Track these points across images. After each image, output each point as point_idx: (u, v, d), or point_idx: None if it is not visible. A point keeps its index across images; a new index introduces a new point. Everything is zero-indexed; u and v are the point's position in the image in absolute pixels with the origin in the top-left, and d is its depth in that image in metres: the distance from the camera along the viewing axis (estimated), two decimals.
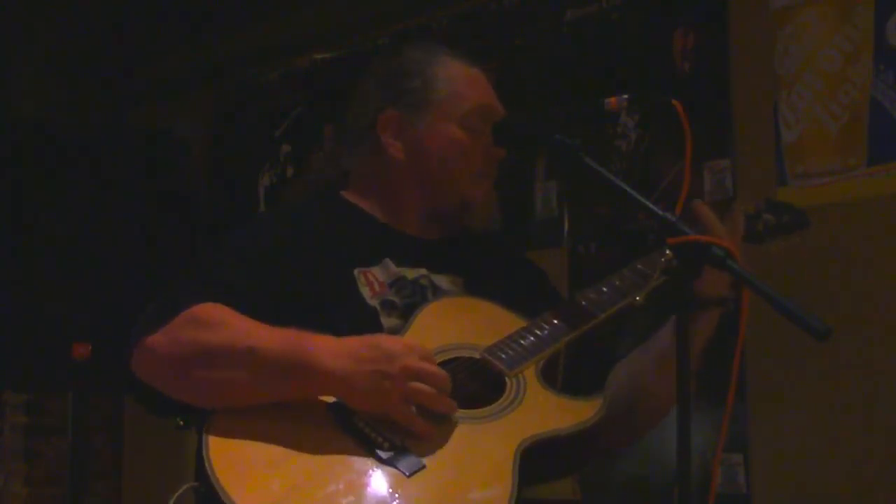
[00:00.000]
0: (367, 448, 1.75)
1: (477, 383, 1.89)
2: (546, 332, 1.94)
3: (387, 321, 1.97)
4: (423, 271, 2.05)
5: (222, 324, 1.83)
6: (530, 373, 1.89)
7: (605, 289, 2.00)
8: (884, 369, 3.08)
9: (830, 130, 3.23)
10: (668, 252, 1.68)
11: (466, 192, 2.08)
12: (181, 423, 1.97)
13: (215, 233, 4.82)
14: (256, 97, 4.86)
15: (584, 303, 1.98)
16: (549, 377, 1.93)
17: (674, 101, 1.79)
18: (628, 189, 1.86)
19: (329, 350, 1.78)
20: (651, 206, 1.77)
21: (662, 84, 3.57)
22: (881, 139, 3.13)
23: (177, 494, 1.75)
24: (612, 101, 1.86)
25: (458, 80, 2.12)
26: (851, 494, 3.09)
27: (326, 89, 4.59)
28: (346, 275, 1.99)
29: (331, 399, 1.82)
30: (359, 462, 1.73)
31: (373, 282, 2.00)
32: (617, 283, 2.00)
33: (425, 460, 1.74)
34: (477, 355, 1.91)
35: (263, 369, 1.79)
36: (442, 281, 2.06)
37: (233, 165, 4.94)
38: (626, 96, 1.86)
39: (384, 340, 1.83)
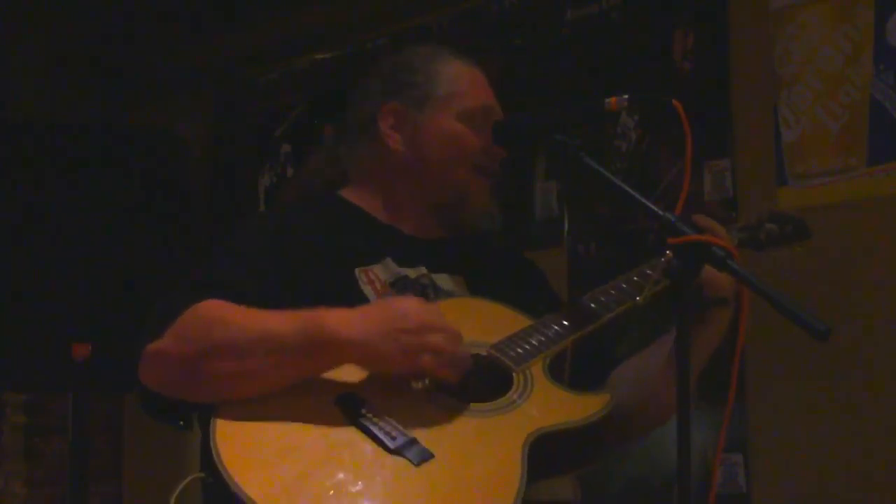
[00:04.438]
0: (375, 438, 1.75)
1: (484, 379, 1.88)
2: (553, 330, 1.94)
3: None
4: (424, 270, 2.05)
5: (229, 316, 1.82)
6: (537, 369, 1.90)
7: (612, 290, 2.00)
8: (884, 369, 3.08)
9: (830, 130, 3.23)
10: (667, 252, 1.68)
11: (464, 185, 2.07)
12: (181, 423, 1.96)
13: (215, 233, 4.82)
14: (256, 97, 4.87)
15: (591, 303, 1.99)
16: (556, 374, 1.93)
17: (674, 101, 1.79)
18: (628, 189, 1.86)
19: (342, 320, 1.78)
20: (651, 206, 1.77)
21: (662, 84, 3.57)
22: (881, 139, 3.13)
23: (182, 485, 1.74)
24: (612, 101, 1.86)
25: (460, 78, 2.13)
26: (851, 494, 3.09)
27: (326, 89, 4.59)
28: (346, 274, 1.99)
29: (338, 391, 1.81)
30: (367, 451, 1.73)
31: (374, 280, 2.00)
32: (624, 285, 2.00)
33: (434, 451, 1.74)
34: (483, 352, 1.91)
35: (281, 351, 1.78)
36: (442, 280, 2.06)
37: (233, 165, 4.94)
38: (626, 96, 1.85)
39: (394, 300, 1.86)
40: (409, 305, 1.81)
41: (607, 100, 1.87)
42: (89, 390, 3.35)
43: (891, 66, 3.13)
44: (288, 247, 1.98)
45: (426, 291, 2.03)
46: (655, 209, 1.75)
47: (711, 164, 3.44)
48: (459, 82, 2.12)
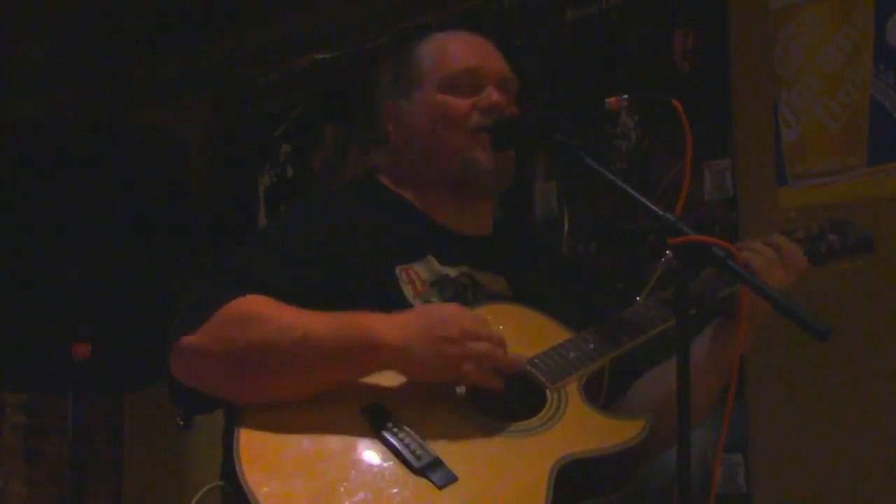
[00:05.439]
0: (399, 455, 1.72)
1: (517, 395, 1.85)
2: (591, 346, 1.90)
3: None
4: (465, 269, 2.02)
5: (268, 316, 1.79)
6: (573, 388, 1.85)
7: (652, 305, 1.96)
8: (884, 369, 3.08)
9: (830, 130, 3.23)
10: (667, 252, 1.67)
11: (462, 150, 2.03)
12: (181, 422, 1.95)
13: (215, 233, 4.82)
14: (256, 97, 4.86)
15: (631, 319, 1.95)
16: (593, 394, 1.89)
17: (674, 101, 1.79)
18: (628, 189, 1.85)
19: (383, 324, 1.76)
20: (651, 206, 1.77)
21: (662, 84, 3.57)
22: (881, 139, 3.13)
23: (201, 493, 1.73)
24: (612, 101, 1.86)
25: (438, 49, 2.11)
26: (851, 494, 3.09)
27: (326, 89, 4.59)
28: (387, 271, 1.95)
29: (364, 400, 1.78)
30: (390, 471, 1.70)
31: (415, 280, 1.96)
32: (665, 299, 1.96)
33: (458, 473, 1.70)
34: None
35: (319, 355, 1.76)
36: (483, 278, 2.03)
37: (233, 165, 4.94)
38: (626, 96, 1.85)
39: (435, 307, 1.85)
40: (451, 312, 1.80)
41: (607, 100, 1.86)
42: (89, 390, 3.35)
43: (891, 66, 3.12)
44: (329, 238, 1.95)
45: (465, 292, 2.00)
46: (655, 209, 1.75)
47: (711, 164, 3.44)
48: (436, 54, 2.10)
